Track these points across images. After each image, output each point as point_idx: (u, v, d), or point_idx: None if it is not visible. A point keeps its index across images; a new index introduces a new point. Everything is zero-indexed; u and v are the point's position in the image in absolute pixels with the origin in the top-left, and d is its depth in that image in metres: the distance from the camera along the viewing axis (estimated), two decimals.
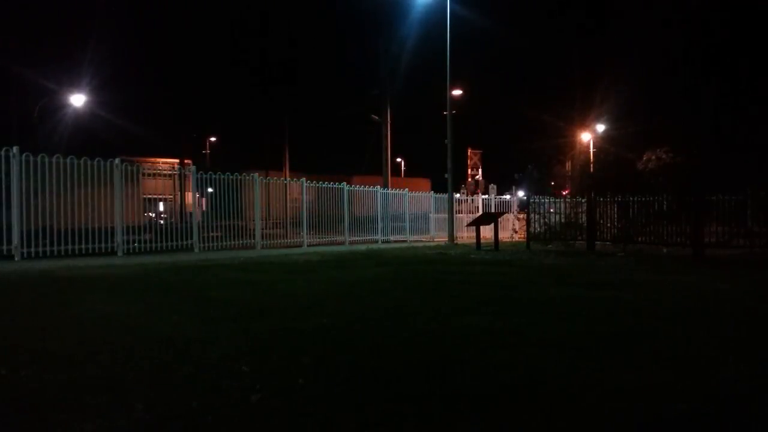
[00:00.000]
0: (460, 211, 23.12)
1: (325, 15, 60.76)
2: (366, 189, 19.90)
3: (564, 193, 20.23)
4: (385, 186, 23.96)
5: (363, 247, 15.86)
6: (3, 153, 10.36)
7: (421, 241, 20.56)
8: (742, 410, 2.60)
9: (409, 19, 25.27)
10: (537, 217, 16.21)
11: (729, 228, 12.78)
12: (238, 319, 4.58)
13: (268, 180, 16.07)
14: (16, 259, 10.26)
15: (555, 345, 3.73)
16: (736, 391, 2.83)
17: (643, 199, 14.18)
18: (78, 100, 28.75)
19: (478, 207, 24.88)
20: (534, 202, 16.57)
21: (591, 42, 30.06)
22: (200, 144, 48.81)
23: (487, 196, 26.76)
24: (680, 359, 3.40)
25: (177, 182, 29.95)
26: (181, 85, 35.28)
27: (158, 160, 35.26)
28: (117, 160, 12.14)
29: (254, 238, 15.23)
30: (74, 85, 28.85)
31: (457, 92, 29.86)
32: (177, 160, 34.15)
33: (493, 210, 24.19)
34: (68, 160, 11.22)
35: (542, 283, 7.21)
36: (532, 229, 16.28)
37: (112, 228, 11.91)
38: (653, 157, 14.06)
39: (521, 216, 22.21)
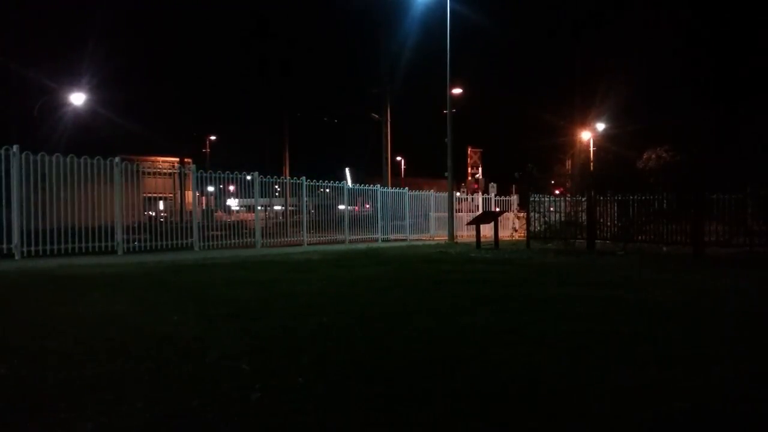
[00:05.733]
0: (460, 210, 23.13)
1: (325, 14, 60.70)
2: (366, 188, 19.90)
3: (557, 192, 20.22)
4: (385, 185, 23.95)
5: (363, 246, 15.86)
6: (3, 152, 10.36)
7: (421, 239, 20.55)
8: (743, 410, 2.59)
9: (409, 18, 25.27)
10: (537, 215, 16.19)
11: (729, 227, 12.77)
12: (238, 318, 4.58)
13: (267, 179, 16.05)
14: (16, 257, 10.26)
15: (555, 344, 3.73)
16: (737, 391, 2.83)
17: (644, 197, 14.17)
18: (78, 98, 28.73)
19: (478, 206, 24.88)
20: (534, 201, 16.54)
21: (591, 41, 30.07)
22: (200, 143, 48.79)
23: (487, 194, 26.75)
24: (680, 358, 3.40)
25: (177, 181, 29.87)
26: (181, 83, 35.32)
27: (158, 158, 35.20)
28: (117, 159, 12.14)
29: (254, 237, 15.24)
30: (74, 84, 28.87)
31: (457, 91, 29.83)
32: (177, 159, 34.12)
33: (493, 209, 24.19)
34: (68, 159, 11.22)
35: (542, 282, 7.21)
36: (532, 228, 16.26)
37: (113, 226, 11.92)
38: (653, 156, 14.05)
39: (521, 215, 22.19)
